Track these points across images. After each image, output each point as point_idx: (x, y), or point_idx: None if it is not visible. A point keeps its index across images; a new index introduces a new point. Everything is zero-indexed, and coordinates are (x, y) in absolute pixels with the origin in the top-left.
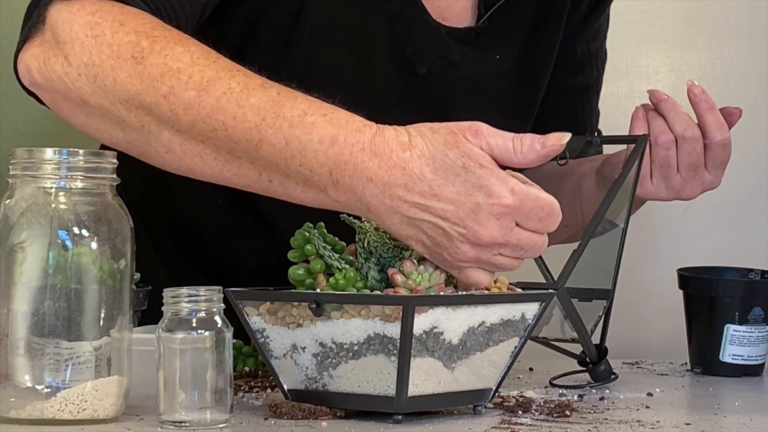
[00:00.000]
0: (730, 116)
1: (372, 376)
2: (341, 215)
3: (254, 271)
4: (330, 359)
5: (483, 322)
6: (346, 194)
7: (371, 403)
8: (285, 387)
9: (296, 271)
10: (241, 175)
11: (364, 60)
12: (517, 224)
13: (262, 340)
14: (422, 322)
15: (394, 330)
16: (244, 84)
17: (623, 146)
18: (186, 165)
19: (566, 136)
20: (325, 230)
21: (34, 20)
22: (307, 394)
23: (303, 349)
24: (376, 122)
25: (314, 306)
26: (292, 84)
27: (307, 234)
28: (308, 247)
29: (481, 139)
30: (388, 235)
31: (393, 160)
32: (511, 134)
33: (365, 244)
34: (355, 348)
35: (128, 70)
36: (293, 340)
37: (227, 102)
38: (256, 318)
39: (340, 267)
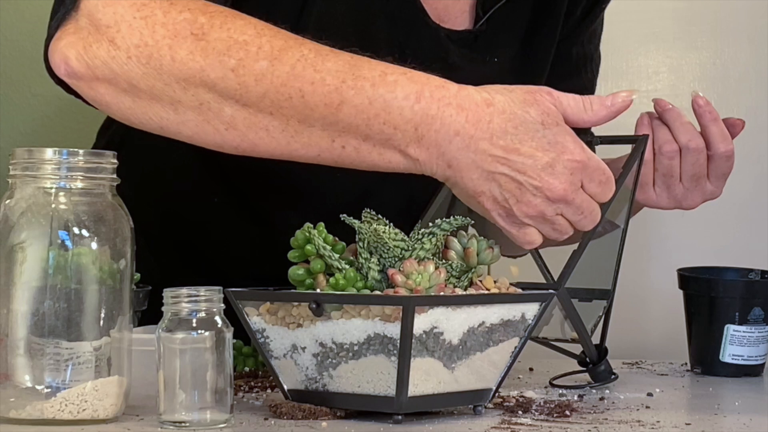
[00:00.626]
0: (732, 127)
1: (372, 376)
2: (341, 215)
3: (250, 271)
4: (330, 359)
5: (483, 322)
6: (428, 150)
7: (371, 403)
8: (285, 387)
9: (296, 271)
10: (311, 145)
11: None
12: (581, 185)
13: (262, 340)
14: (422, 322)
15: (394, 330)
16: (316, 50)
17: (626, 149)
18: (249, 141)
19: (635, 93)
20: (325, 230)
21: (67, 7)
22: (307, 394)
23: (303, 349)
24: None
25: (314, 306)
26: None
27: (307, 234)
28: (308, 247)
29: (554, 98)
30: (388, 235)
31: (478, 114)
32: (579, 95)
33: (365, 244)
34: (355, 348)
35: (189, 47)
36: (293, 340)
37: (303, 68)
38: (256, 318)
39: (340, 267)
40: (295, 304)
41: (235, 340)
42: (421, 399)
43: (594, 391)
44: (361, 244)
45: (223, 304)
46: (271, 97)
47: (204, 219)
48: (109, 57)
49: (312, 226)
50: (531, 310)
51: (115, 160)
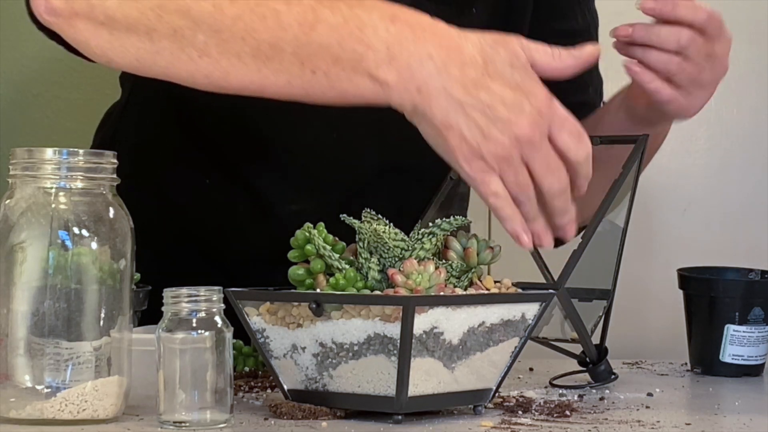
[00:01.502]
0: None
1: (372, 376)
2: (341, 215)
3: (249, 253)
4: (330, 359)
5: (483, 322)
6: (399, 73)
7: (371, 403)
8: (285, 387)
9: (296, 271)
10: (280, 71)
11: None
12: (549, 136)
13: (262, 340)
14: (422, 322)
15: (394, 330)
16: None
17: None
18: (221, 68)
19: (599, 48)
20: (325, 230)
21: None
22: (307, 394)
23: (303, 349)
24: None
25: (314, 306)
26: None
27: (307, 234)
28: (308, 247)
29: (524, 45)
30: (388, 235)
31: (452, 42)
32: (548, 45)
33: (365, 244)
34: (355, 348)
35: None
36: (293, 340)
37: None
38: (256, 318)
39: (340, 267)
40: (295, 304)
41: (235, 340)
42: (421, 399)
43: (594, 391)
44: (361, 244)
45: (223, 304)
46: (245, 18)
47: (197, 200)
48: None
49: (312, 225)
50: (531, 310)
51: (115, 160)
